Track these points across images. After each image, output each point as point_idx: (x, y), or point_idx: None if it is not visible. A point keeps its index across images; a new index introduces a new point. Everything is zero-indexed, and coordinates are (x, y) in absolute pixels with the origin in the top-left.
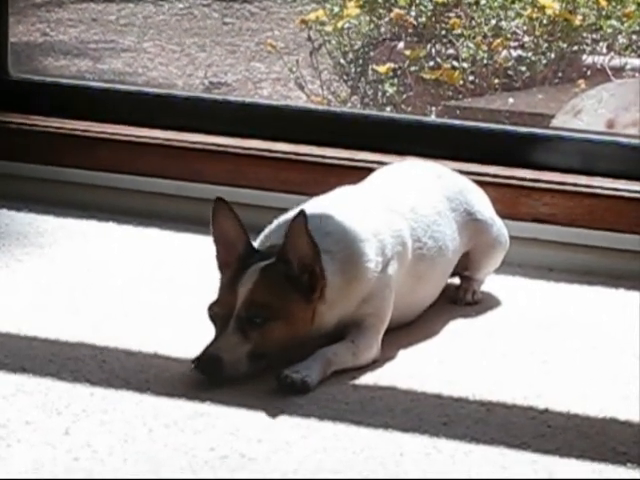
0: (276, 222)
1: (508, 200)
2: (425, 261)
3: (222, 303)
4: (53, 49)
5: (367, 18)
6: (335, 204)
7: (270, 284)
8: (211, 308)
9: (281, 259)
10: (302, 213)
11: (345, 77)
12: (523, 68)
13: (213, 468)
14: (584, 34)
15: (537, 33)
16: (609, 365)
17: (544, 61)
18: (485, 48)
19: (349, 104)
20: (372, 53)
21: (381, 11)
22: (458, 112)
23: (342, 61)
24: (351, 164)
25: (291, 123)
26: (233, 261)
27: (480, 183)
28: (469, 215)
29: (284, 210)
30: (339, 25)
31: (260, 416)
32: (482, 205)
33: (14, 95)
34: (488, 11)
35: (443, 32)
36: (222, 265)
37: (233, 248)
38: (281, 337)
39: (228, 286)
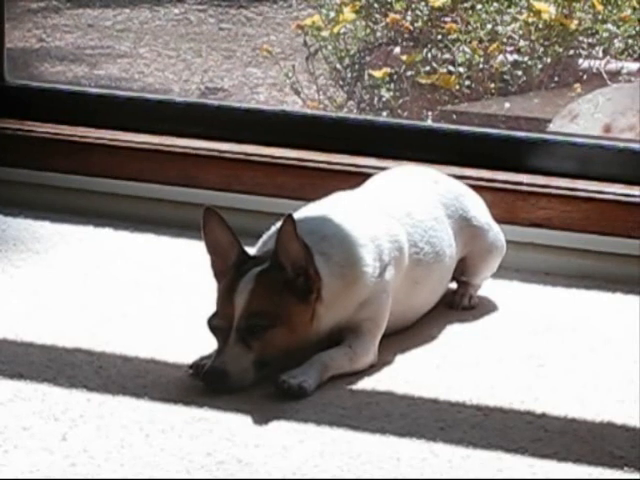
0: (273, 228)
1: (505, 205)
2: (422, 267)
3: (221, 315)
4: (49, 55)
5: (363, 23)
6: (332, 209)
7: (266, 291)
8: (210, 320)
9: (274, 264)
10: (290, 216)
11: (341, 82)
12: (519, 72)
13: (210, 473)
14: (580, 38)
15: (533, 37)
16: (606, 369)
17: (540, 65)
18: (481, 53)
19: (345, 109)
20: (368, 58)
21: (377, 16)
22: (454, 117)
23: (338, 66)
24: (348, 169)
25: (287, 128)
26: (228, 269)
27: (477, 188)
28: (465, 221)
29: (281, 215)
30: (335, 30)
31: (257, 421)
32: (478, 211)
33: (10, 101)
34: (484, 16)
35: (439, 37)
36: (218, 274)
37: (227, 256)
38: (283, 342)
39: (225, 296)
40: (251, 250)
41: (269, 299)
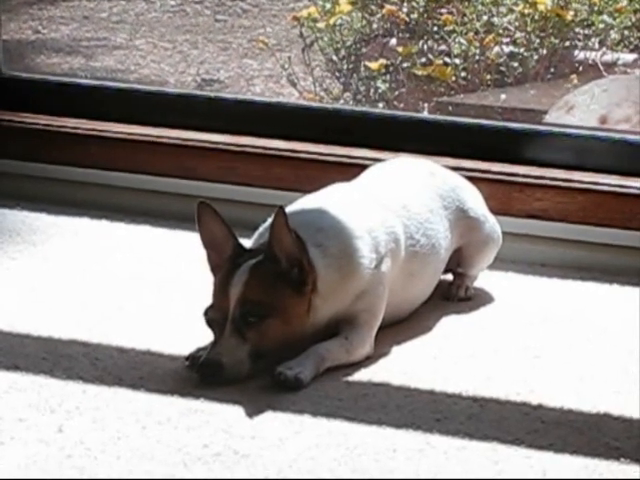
0: (269, 220)
1: (501, 196)
2: (418, 258)
3: (216, 307)
4: (45, 47)
5: (359, 14)
6: (328, 201)
7: (261, 282)
8: (206, 313)
9: (269, 256)
10: (281, 209)
11: (337, 74)
12: (515, 64)
13: (206, 465)
14: (576, 29)
15: (529, 29)
16: (602, 360)
17: (536, 57)
18: (477, 44)
19: (341, 101)
20: (364, 50)
21: (373, 7)
22: (450, 108)
23: (334, 58)
24: (344, 161)
25: (283, 120)
26: (224, 262)
27: (473, 179)
28: (461, 212)
29: (277, 207)
30: (331, 22)
31: (253, 413)
32: (474, 202)
33: (6, 93)
34: (480, 7)
35: (435, 28)
36: (214, 268)
37: (222, 250)
38: (278, 334)
39: (220, 289)
40: (247, 242)
41: (263, 290)
